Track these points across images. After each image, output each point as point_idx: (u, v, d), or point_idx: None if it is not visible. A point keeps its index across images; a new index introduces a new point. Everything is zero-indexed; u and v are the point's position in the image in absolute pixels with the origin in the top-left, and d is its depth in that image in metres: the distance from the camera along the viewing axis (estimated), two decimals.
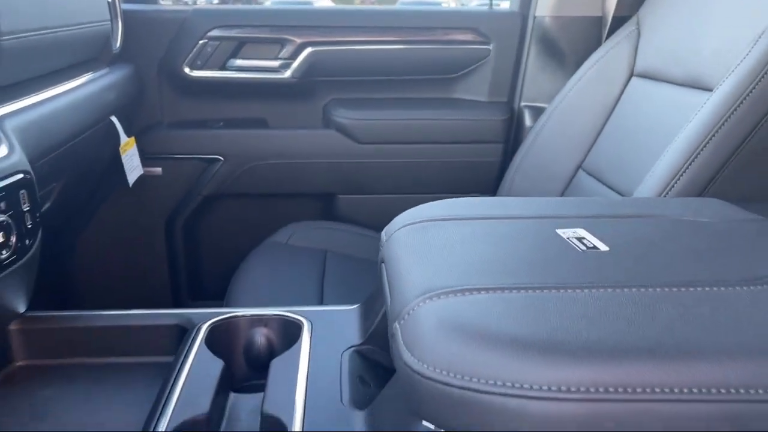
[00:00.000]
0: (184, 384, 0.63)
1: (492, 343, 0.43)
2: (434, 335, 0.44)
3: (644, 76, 1.14)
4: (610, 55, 1.22)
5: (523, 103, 1.46)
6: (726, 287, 0.49)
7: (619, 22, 1.29)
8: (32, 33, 0.88)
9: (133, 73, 1.33)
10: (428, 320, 0.46)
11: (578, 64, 1.32)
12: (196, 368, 0.65)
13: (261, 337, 0.75)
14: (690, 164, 0.82)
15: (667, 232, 0.61)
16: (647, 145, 1.01)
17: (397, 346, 0.47)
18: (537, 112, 1.41)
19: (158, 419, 0.58)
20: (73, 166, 1.07)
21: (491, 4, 1.55)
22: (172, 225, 1.47)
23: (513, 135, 1.46)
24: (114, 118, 1.19)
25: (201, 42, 1.39)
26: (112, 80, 1.21)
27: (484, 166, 1.46)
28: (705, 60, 0.95)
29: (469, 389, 0.42)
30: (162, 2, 1.59)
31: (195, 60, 1.40)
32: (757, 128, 0.81)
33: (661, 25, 1.13)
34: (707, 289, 0.49)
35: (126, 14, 1.32)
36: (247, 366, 0.75)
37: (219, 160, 1.42)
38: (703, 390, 0.41)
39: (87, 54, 1.16)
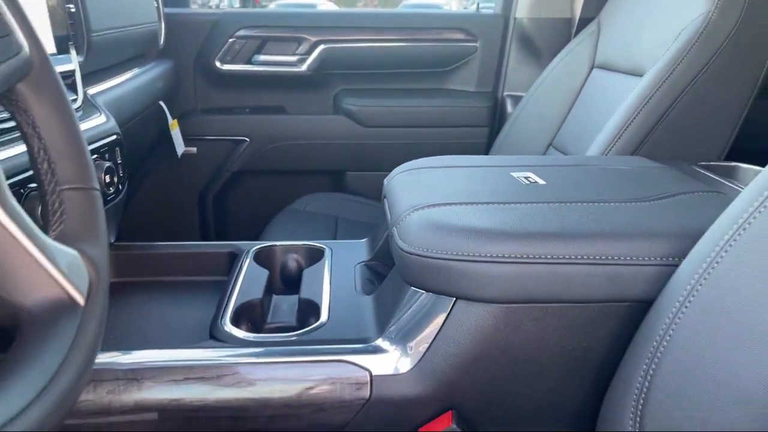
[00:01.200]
0: (240, 286, 0.87)
1: (458, 231, 0.67)
2: (419, 228, 0.69)
3: (602, 67, 1.37)
4: (576, 51, 1.45)
5: (505, 93, 1.70)
6: (617, 203, 0.73)
7: (584, 22, 1.53)
8: (109, 31, 1.13)
9: (173, 66, 1.57)
10: (415, 221, 0.70)
11: (551, 58, 1.55)
12: (248, 277, 0.89)
13: (292, 261, 0.99)
14: (623, 132, 1.06)
15: (592, 174, 0.85)
16: (599, 123, 1.24)
17: (394, 240, 0.71)
18: (517, 100, 1.65)
19: (224, 308, 0.82)
20: (130, 141, 1.31)
21: (478, 7, 1.79)
22: (204, 197, 1.71)
23: (497, 120, 1.70)
24: (162, 103, 1.43)
25: (230, 40, 1.63)
26: (159, 72, 1.45)
27: (472, 147, 1.70)
28: (643, 52, 1.19)
29: (443, 259, 0.66)
30: (194, 6, 1.83)
31: (225, 56, 1.64)
32: (674, 105, 1.05)
33: (615, 24, 1.36)
34: (605, 204, 0.73)
35: (167, 16, 1.56)
36: (282, 283, 0.98)
37: (245, 141, 1.66)
38: (593, 257, 0.65)
39: (141, 49, 1.41)
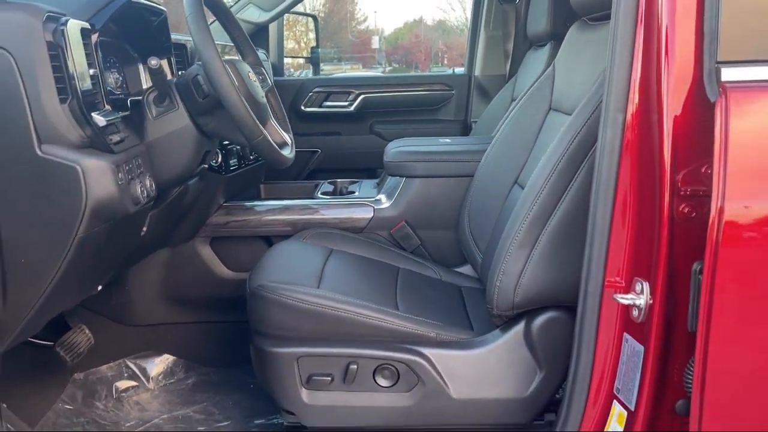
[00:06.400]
0: None
1: None
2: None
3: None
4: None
5: (471, 120, 2.85)
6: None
7: (510, 75, 2.69)
8: None
9: None
10: None
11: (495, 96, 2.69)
12: None
13: None
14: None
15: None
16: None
17: None
18: (479, 123, 2.79)
19: None
20: None
21: (453, 71, 2.99)
22: None
23: (467, 132, 2.84)
24: None
25: (310, 94, 2.83)
26: None
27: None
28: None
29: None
30: (287, 75, 3.07)
31: (307, 103, 2.84)
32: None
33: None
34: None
35: (276, 81, 2.78)
36: None
37: (318, 151, 2.84)
38: None
39: None
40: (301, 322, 1.29)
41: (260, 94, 1.51)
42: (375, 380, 1.30)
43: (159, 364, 1.81)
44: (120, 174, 1.16)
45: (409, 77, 2.92)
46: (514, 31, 2.76)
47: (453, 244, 1.83)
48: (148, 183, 1.27)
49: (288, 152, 1.52)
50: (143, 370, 1.78)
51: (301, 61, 3.53)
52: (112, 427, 1.58)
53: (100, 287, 1.44)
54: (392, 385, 1.30)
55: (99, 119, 1.15)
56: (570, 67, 1.57)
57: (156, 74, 1.34)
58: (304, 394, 1.30)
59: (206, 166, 1.57)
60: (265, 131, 1.36)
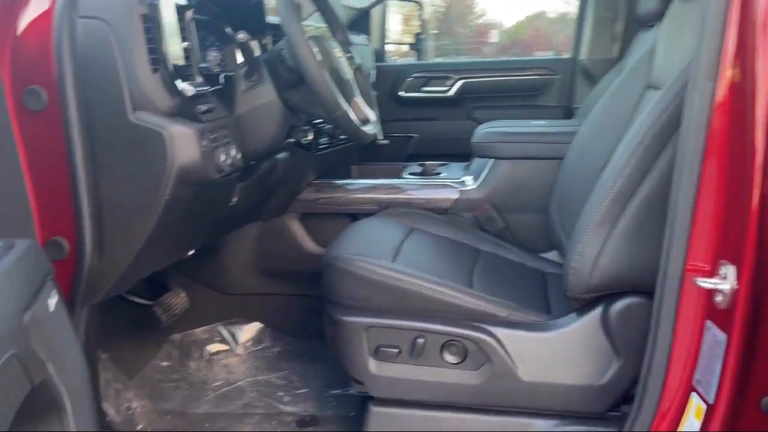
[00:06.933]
0: None
1: None
2: None
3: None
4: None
5: (574, 106, 2.74)
6: None
7: (620, 59, 2.55)
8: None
9: (377, 94, 2.81)
10: None
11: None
12: None
13: None
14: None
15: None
16: None
17: None
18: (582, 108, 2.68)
19: None
20: None
21: (556, 55, 2.88)
22: None
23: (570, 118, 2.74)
24: None
25: (408, 79, 2.84)
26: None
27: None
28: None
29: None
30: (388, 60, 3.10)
31: (405, 88, 2.85)
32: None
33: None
34: None
35: (377, 67, 2.81)
36: None
37: (415, 136, 2.84)
38: None
39: None
40: (371, 293, 1.31)
41: (346, 71, 1.53)
42: (442, 356, 1.29)
43: (248, 332, 1.90)
44: (204, 141, 1.22)
45: (511, 62, 2.84)
46: (623, 11, 2.61)
47: (540, 228, 1.77)
48: (233, 153, 1.34)
49: (370, 129, 1.54)
50: (233, 336, 1.88)
51: (407, 48, 3.50)
52: (201, 385, 1.68)
53: (191, 252, 1.53)
54: (459, 362, 1.29)
55: (187, 89, 1.23)
56: (669, 42, 1.47)
57: (245, 49, 1.40)
58: (372, 365, 1.31)
59: (293, 140, 1.62)
60: (344, 106, 1.38)
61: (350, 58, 1.64)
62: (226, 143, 1.32)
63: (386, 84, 2.88)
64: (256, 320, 1.94)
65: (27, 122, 1.16)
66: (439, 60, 3.31)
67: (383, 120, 2.90)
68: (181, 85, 1.23)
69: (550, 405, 1.26)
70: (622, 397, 1.23)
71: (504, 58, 2.95)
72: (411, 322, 1.29)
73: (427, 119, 2.88)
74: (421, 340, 1.28)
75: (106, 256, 1.22)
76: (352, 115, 1.43)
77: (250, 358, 1.82)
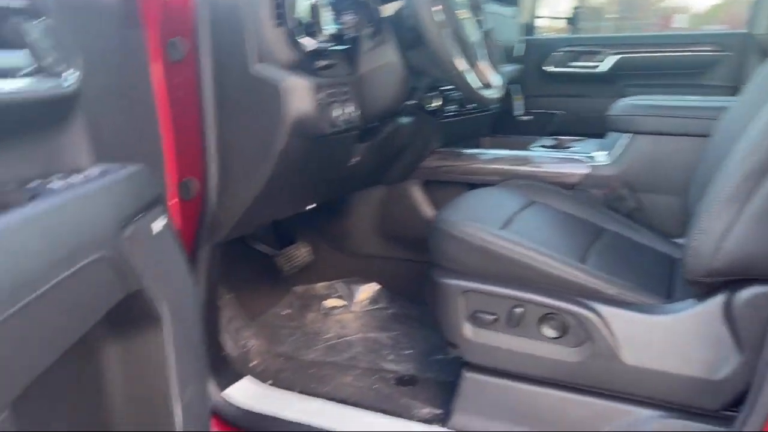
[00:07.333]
0: None
1: None
2: None
3: None
4: None
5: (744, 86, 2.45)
6: None
7: None
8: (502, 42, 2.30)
9: (521, 68, 2.72)
10: None
11: None
12: None
13: None
14: None
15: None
16: None
17: None
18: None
19: None
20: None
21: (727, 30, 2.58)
22: None
23: None
24: (511, 85, 2.58)
25: (556, 54, 2.72)
26: (512, 69, 2.61)
27: None
28: None
29: None
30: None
31: (552, 62, 2.73)
32: None
33: None
34: None
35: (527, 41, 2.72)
36: None
37: (561, 113, 2.72)
38: None
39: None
40: (471, 257, 1.28)
41: (471, 33, 1.50)
42: (540, 329, 1.24)
43: (365, 291, 1.96)
44: (319, 95, 1.27)
45: (674, 36, 2.60)
46: None
47: (676, 212, 1.62)
48: (349, 110, 1.37)
49: (490, 93, 1.50)
50: (350, 294, 1.94)
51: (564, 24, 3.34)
52: (314, 335, 1.77)
53: (310, 206, 1.61)
54: (558, 337, 1.23)
55: (308, 44, 1.28)
56: None
57: (372, 9, 1.43)
58: (467, 329, 1.29)
59: (413, 102, 1.62)
60: (461, 66, 1.36)
61: (479, 22, 1.61)
62: (344, 100, 1.36)
63: (533, 58, 2.78)
64: (374, 281, 1.99)
65: (169, 72, 1.28)
66: (591, 35, 3.10)
67: (526, 95, 2.82)
68: (302, 40, 1.28)
69: (655, 394, 1.16)
70: (739, 396, 1.10)
71: (666, 33, 2.69)
72: (510, 291, 1.25)
73: (574, 96, 2.74)
74: (519, 310, 1.24)
75: (227, 198, 1.32)
76: (472, 78, 1.40)
77: (364, 316, 1.87)
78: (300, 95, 1.23)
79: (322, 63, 1.32)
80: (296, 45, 1.26)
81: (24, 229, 0.61)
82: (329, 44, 1.35)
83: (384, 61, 1.45)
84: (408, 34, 1.42)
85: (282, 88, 1.21)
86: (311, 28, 1.31)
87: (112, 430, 0.91)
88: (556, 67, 2.75)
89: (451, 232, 1.32)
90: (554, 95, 2.75)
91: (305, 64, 1.28)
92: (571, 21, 3.28)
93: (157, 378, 0.93)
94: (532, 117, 2.76)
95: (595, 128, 2.67)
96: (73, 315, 0.68)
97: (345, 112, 1.35)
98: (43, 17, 0.78)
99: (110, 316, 0.81)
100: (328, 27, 1.39)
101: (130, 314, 0.87)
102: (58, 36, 0.80)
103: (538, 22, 3.03)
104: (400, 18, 1.42)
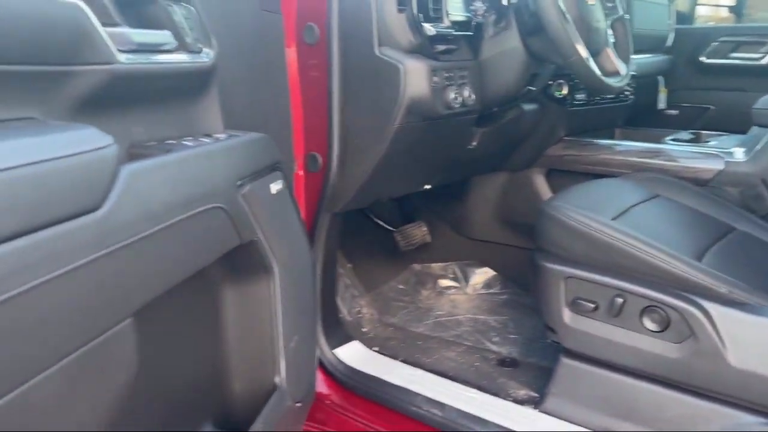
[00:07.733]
0: None
1: None
2: None
3: None
4: None
5: None
6: None
7: None
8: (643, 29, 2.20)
9: (671, 59, 2.57)
10: None
11: None
12: None
13: None
14: None
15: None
16: None
17: None
18: None
19: None
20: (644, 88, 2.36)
21: None
22: None
23: None
24: (659, 77, 2.45)
25: (713, 44, 2.53)
26: (660, 59, 2.47)
27: None
28: None
29: None
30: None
31: (708, 53, 2.55)
32: None
33: None
34: None
35: (677, 30, 2.57)
36: None
37: (710, 108, 2.54)
38: None
39: (652, 45, 2.46)
40: (575, 244, 1.28)
41: (597, 19, 1.48)
42: (641, 321, 1.21)
43: (480, 275, 1.99)
44: (436, 78, 1.33)
45: None
46: None
47: None
48: (466, 93, 1.42)
49: (615, 81, 1.47)
50: (465, 276, 1.99)
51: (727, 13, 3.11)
52: (425, 311, 1.84)
53: (427, 186, 1.68)
54: (660, 331, 1.19)
55: (429, 29, 1.34)
56: None
57: None
58: (567, 316, 1.29)
59: (534, 88, 1.63)
60: (582, 52, 1.35)
61: (611, 8, 1.57)
62: (461, 84, 1.41)
63: (686, 48, 2.62)
64: (489, 266, 2.02)
65: (304, 54, 1.41)
66: (757, 24, 2.85)
67: (673, 88, 2.66)
68: (424, 25, 1.35)
69: (760, 399, 1.10)
70: None
71: None
72: (612, 280, 1.24)
73: (730, 89, 2.54)
74: (620, 300, 1.22)
75: (346, 172, 1.43)
76: (593, 64, 1.39)
77: (476, 299, 1.91)
78: (417, 77, 1.30)
79: (442, 47, 1.38)
80: (418, 30, 1.33)
81: (154, 174, 0.75)
82: (448, 30, 1.40)
83: (505, 47, 1.47)
84: (530, 20, 1.43)
85: (402, 70, 1.29)
86: (433, 13, 1.38)
87: (224, 362, 1.05)
88: (711, 58, 2.57)
89: (559, 217, 1.32)
90: (706, 88, 2.57)
91: (425, 48, 1.34)
92: (735, 9, 3.04)
93: (264, 324, 1.05)
94: (677, 111, 2.60)
95: (747, 125, 2.47)
96: (189, 250, 0.80)
97: (461, 95, 1.40)
98: (185, 1, 0.92)
99: (229, 260, 0.94)
100: (458, 14, 1.45)
101: (246, 262, 1.00)
102: (198, 18, 0.94)
103: (699, 11, 2.85)
104: (523, 3, 1.44)
